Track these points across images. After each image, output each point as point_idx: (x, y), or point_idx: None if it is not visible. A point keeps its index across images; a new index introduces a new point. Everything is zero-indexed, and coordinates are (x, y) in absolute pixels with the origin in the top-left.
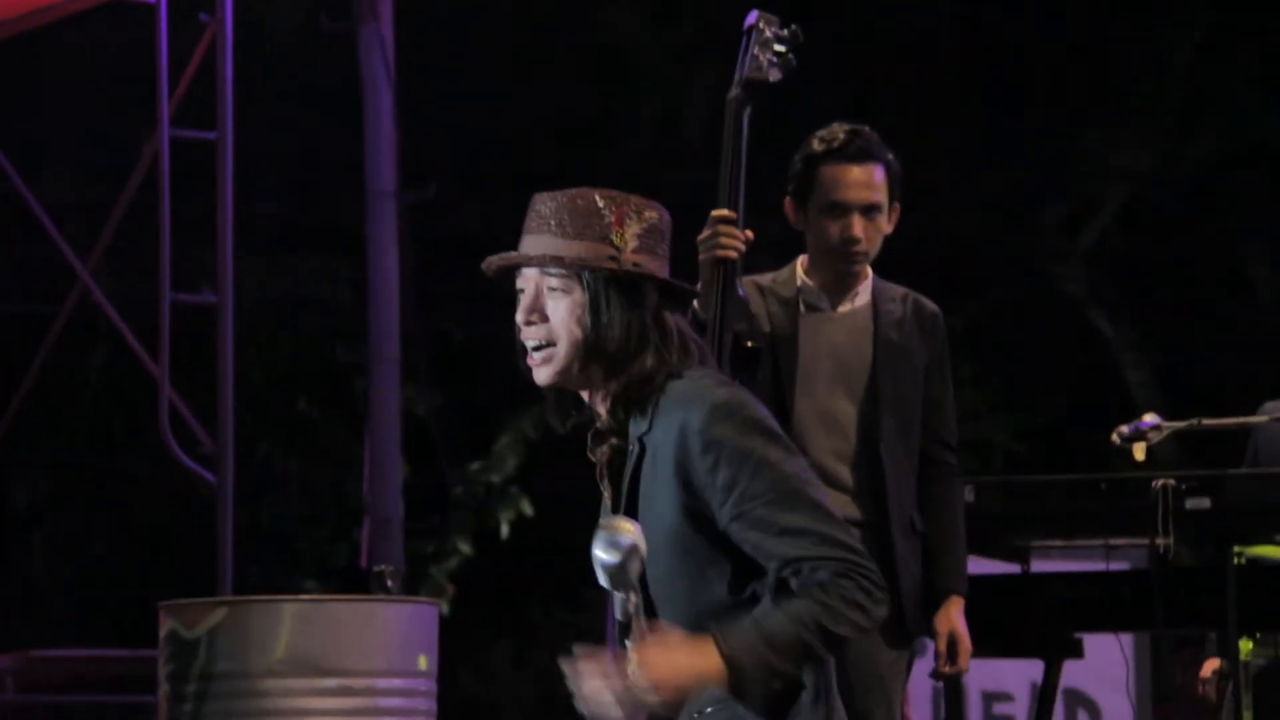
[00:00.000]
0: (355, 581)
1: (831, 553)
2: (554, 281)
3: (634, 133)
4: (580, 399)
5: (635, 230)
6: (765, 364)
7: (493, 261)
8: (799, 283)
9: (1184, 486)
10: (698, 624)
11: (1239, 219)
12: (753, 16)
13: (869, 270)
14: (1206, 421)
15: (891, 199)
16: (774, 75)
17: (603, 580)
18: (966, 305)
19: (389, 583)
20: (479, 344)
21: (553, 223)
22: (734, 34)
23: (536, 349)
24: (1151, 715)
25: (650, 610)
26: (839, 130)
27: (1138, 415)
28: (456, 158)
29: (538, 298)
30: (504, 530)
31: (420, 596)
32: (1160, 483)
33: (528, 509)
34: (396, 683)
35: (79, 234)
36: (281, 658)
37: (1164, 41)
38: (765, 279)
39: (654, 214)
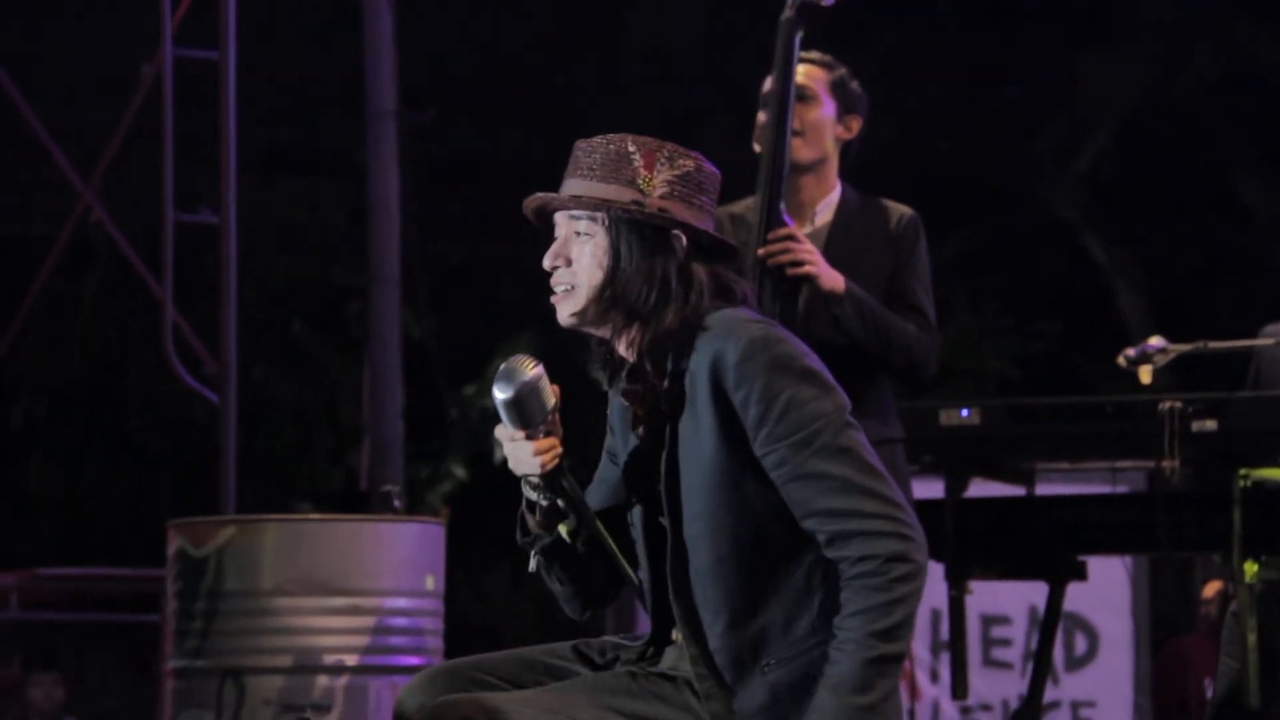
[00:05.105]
0: (350, 504)
1: (866, 511)
2: (581, 225)
3: (628, 54)
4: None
5: (665, 176)
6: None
7: (529, 204)
8: None
9: (1190, 409)
10: (741, 561)
11: (1233, 142)
12: None
13: (835, 184)
14: (1212, 344)
15: (844, 107)
16: None
17: (505, 417)
18: (960, 231)
19: (395, 502)
20: (473, 268)
21: (585, 166)
22: None
23: (561, 289)
24: (1149, 638)
25: (681, 555)
26: None
27: (1130, 341)
28: (454, 82)
29: (565, 241)
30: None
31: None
32: (1167, 405)
33: None
34: (404, 602)
35: (75, 155)
36: (290, 577)
37: None
38: (737, 207)
39: (690, 163)
